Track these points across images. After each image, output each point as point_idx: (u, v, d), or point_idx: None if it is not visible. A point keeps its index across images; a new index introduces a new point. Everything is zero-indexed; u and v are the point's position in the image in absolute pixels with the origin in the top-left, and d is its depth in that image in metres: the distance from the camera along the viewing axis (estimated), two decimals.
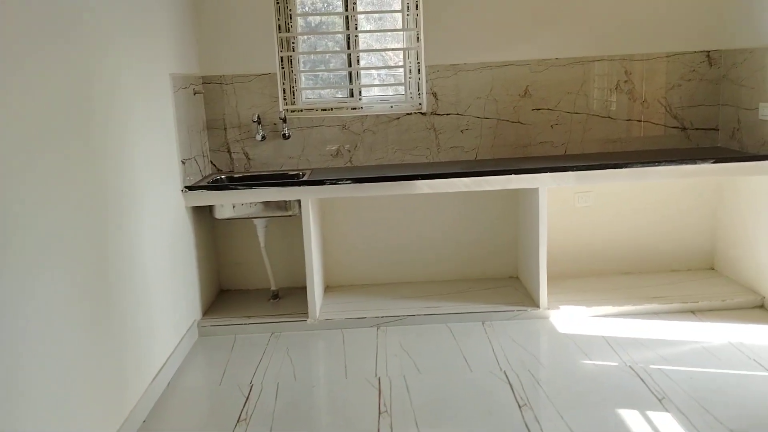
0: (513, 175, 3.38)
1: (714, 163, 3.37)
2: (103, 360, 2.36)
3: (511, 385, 2.78)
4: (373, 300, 3.75)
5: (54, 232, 2.05)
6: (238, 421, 2.61)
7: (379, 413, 2.62)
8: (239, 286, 4.05)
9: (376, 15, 4.00)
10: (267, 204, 3.53)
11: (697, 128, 3.88)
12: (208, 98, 3.80)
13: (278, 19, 3.81)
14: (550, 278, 3.69)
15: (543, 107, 3.84)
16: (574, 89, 3.82)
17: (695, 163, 3.37)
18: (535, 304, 3.54)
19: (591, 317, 3.47)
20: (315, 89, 4.03)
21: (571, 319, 3.46)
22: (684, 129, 3.88)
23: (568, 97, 3.83)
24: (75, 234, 2.18)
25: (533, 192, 3.47)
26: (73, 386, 2.13)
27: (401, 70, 3.97)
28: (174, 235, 3.22)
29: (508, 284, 3.91)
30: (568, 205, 3.93)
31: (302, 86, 3.96)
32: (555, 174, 3.37)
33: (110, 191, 2.49)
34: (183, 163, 3.37)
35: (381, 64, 4.05)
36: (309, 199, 3.42)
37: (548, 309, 3.49)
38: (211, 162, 3.87)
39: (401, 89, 3.99)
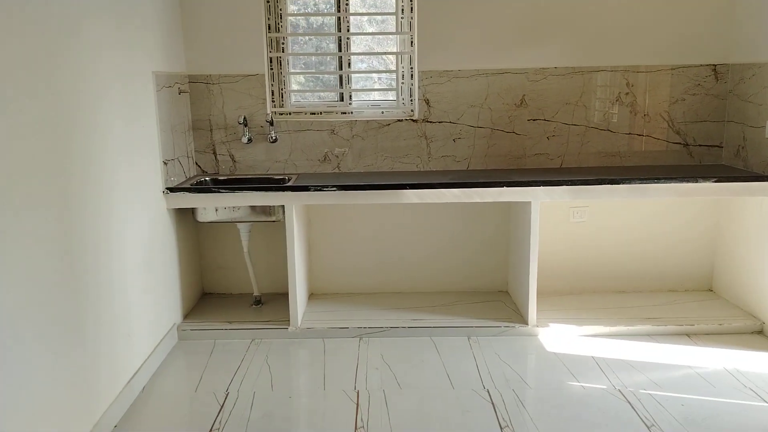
0: (505, 188, 3.26)
1: (716, 182, 3.26)
2: (72, 362, 2.25)
3: (493, 405, 2.66)
4: (357, 309, 3.63)
5: (22, 228, 1.94)
6: (210, 431, 2.51)
7: (356, 429, 2.50)
8: (222, 290, 3.94)
9: (370, 18, 3.90)
10: (251, 208, 3.42)
11: (701, 144, 3.77)
12: (194, 98, 3.70)
13: (268, 19, 3.71)
14: (541, 294, 3.58)
15: (539, 117, 3.73)
16: (573, 100, 3.71)
17: (696, 182, 3.26)
18: (524, 320, 3.43)
19: (581, 336, 3.34)
20: (304, 92, 3.93)
21: (560, 337, 3.34)
22: (686, 145, 3.77)
23: (567, 107, 3.72)
24: (44, 230, 2.07)
25: (526, 205, 3.36)
26: (39, 388, 2.02)
27: (393, 75, 3.87)
28: (154, 236, 3.12)
29: (497, 299, 3.79)
30: (563, 220, 3.81)
31: (291, 89, 3.86)
32: (549, 188, 3.26)
33: (85, 194, 2.38)
34: (165, 163, 3.26)
35: (373, 68, 3.95)
36: (293, 205, 3.31)
37: (537, 326, 3.37)
38: (197, 163, 3.77)
39: (393, 95, 3.89)
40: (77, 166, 2.37)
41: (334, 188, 3.26)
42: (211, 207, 3.41)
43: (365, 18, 3.88)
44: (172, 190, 3.29)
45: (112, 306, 2.61)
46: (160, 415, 2.67)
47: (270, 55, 3.74)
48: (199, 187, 3.39)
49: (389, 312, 3.58)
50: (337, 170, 3.79)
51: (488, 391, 2.78)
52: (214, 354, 3.22)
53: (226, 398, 2.77)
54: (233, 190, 3.28)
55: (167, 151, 3.30)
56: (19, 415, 1.94)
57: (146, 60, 3.08)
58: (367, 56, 3.93)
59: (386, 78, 3.96)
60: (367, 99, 3.93)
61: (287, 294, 3.58)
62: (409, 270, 3.90)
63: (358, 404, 2.70)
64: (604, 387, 2.80)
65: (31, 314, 2.03)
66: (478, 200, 3.29)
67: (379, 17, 3.90)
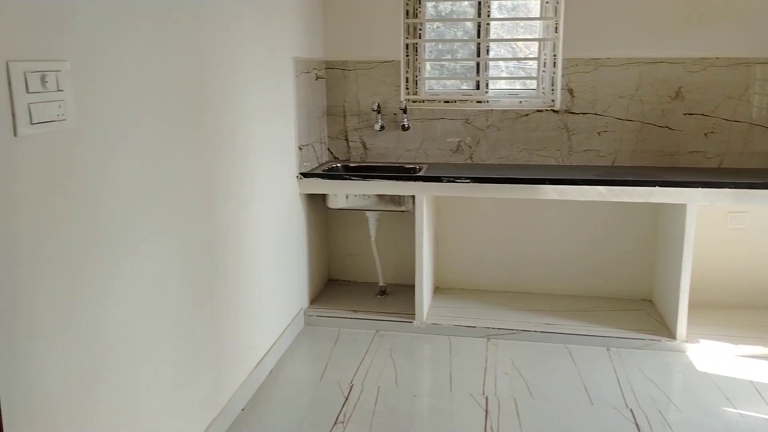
0: (657, 187, 2.98)
1: None
2: (206, 342, 2.29)
3: (638, 426, 2.44)
4: (486, 308, 3.48)
5: (162, 212, 1.97)
6: (335, 423, 2.49)
7: None
8: (347, 278, 3.93)
9: (510, 3, 3.70)
10: (381, 197, 3.36)
11: None
12: (330, 84, 3.68)
13: (406, 4, 3.62)
14: (691, 306, 3.25)
15: (697, 112, 3.39)
16: (736, 94, 3.34)
17: None
18: (671, 334, 3.13)
19: (737, 357, 3.01)
20: (439, 79, 3.80)
21: (712, 356, 3.03)
22: None
23: (728, 102, 3.35)
24: (184, 213, 2.11)
25: (679, 208, 3.06)
26: (173, 368, 2.06)
27: (534, 62, 3.66)
28: (287, 221, 3.14)
29: (640, 308, 3.49)
30: (718, 226, 3.45)
31: (426, 76, 3.75)
32: (708, 190, 2.94)
33: (223, 172, 2.40)
34: (300, 149, 3.27)
35: (511, 56, 3.76)
36: (424, 195, 3.21)
37: (686, 341, 3.07)
38: (328, 149, 3.76)
39: (532, 83, 3.68)
40: (223, 148, 2.39)
41: (468, 180, 3.12)
42: (341, 194, 3.38)
43: (495, 4, 3.69)
44: (305, 175, 3.29)
45: (245, 286, 2.64)
46: (285, 401, 2.67)
47: (407, 41, 3.64)
48: (331, 174, 3.38)
49: (520, 313, 3.41)
50: (469, 161, 3.64)
51: (632, 411, 2.56)
52: (339, 343, 3.20)
53: (350, 390, 2.73)
54: (364, 177, 3.23)
55: (302, 137, 3.30)
56: (151, 394, 1.98)
57: (287, 47, 3.07)
58: (497, 43, 3.73)
59: (513, 66, 3.75)
60: (505, 87, 3.75)
61: (412, 286, 3.50)
62: (543, 270, 3.70)
63: (487, 411, 2.57)
64: (765, 417, 2.50)
65: (173, 293, 2.07)
66: (627, 200, 3.03)
67: (511, 4, 3.69)
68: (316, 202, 3.59)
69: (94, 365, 1.68)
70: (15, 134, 1.40)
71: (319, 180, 3.30)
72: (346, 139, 3.75)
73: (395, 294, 3.68)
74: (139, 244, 1.86)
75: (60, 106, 1.52)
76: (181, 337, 2.12)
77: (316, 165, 3.54)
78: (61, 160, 1.54)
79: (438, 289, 3.78)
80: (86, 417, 1.66)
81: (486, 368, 2.92)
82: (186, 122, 2.11)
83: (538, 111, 3.54)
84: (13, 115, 1.39)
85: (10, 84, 1.38)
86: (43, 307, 1.50)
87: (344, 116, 3.72)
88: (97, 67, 1.66)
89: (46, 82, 1.48)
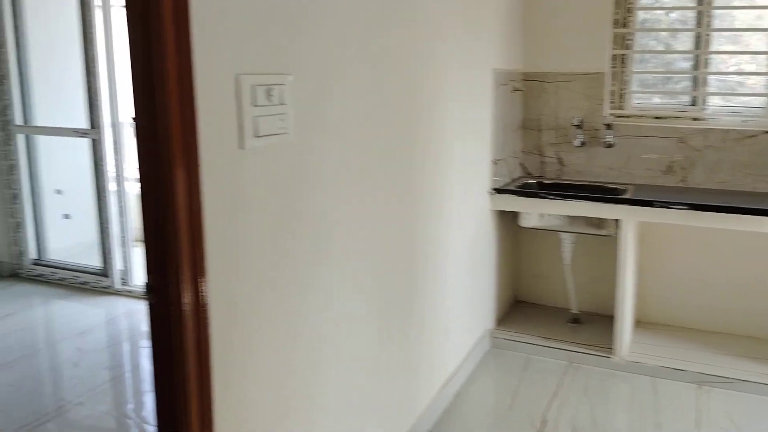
0: None
1: None
2: (396, 359, 2.25)
3: None
4: (696, 350, 3.10)
5: (363, 224, 1.96)
6: None
7: None
8: (535, 300, 3.73)
9: (734, 13, 3.28)
10: (578, 218, 3.14)
11: None
12: (527, 97, 3.53)
13: (615, 13, 3.35)
14: None
15: None
16: None
17: None
18: None
19: None
20: (647, 93, 3.48)
21: None
22: None
23: None
24: (384, 226, 2.09)
25: None
26: (365, 385, 2.04)
27: (758, 77, 3.21)
28: (476, 237, 3.04)
29: None
30: None
31: (633, 89, 3.45)
32: None
33: (424, 186, 2.36)
34: (494, 163, 3.15)
35: (740, 70, 3.33)
36: (631, 220, 2.94)
37: None
38: (521, 164, 3.60)
39: (758, 101, 3.22)
40: (425, 160, 2.35)
41: (685, 206, 2.80)
42: (535, 212, 3.20)
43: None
44: (498, 191, 3.17)
45: (436, 302, 2.57)
46: (472, 427, 2.56)
47: (614, 52, 3.38)
48: (525, 191, 3.22)
49: (737, 360, 2.98)
50: (681, 184, 3.28)
51: None
52: (528, 371, 3.03)
53: (544, 426, 2.54)
54: (562, 196, 3.03)
55: (497, 151, 3.19)
56: (350, 402, 1.97)
57: (487, 58, 2.98)
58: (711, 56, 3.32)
59: (736, 83, 3.30)
60: (722, 104, 3.33)
61: (609, 317, 3.22)
62: (765, 311, 3.22)
63: None
64: None
65: (370, 309, 2.05)
66: None
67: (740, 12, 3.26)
68: (506, 219, 3.45)
69: (304, 384, 1.70)
70: (242, 147, 1.43)
71: (513, 197, 3.15)
72: (541, 154, 3.56)
73: (589, 323, 3.41)
74: (349, 256, 1.86)
75: (282, 120, 1.55)
76: (375, 356, 2.10)
77: (508, 180, 3.40)
78: (279, 174, 1.56)
79: (639, 323, 3.43)
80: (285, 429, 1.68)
81: (697, 420, 2.58)
82: (392, 133, 2.10)
83: (766, 132, 3.09)
84: (241, 128, 1.43)
85: (239, 97, 1.42)
86: (263, 314, 1.53)
87: (539, 130, 3.54)
88: (315, 80, 1.67)
89: (272, 95, 1.51)
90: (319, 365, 1.78)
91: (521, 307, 3.68)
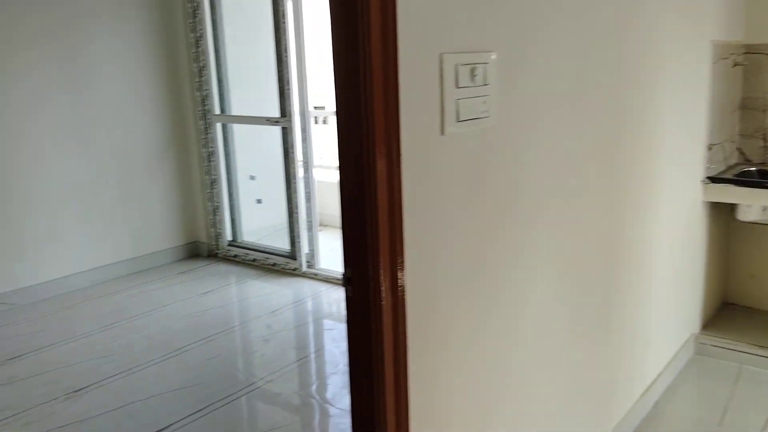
0: None
1: None
2: (597, 363, 2.06)
3: None
4: None
5: (565, 223, 1.78)
6: None
7: None
8: (748, 303, 3.27)
9: None
10: None
11: None
12: (749, 72, 3.06)
13: None
14: None
15: None
16: None
17: None
18: None
19: None
20: None
21: None
22: None
23: None
24: (585, 216, 1.89)
25: None
26: (557, 391, 1.87)
27: None
28: (684, 231, 2.70)
29: None
30: None
31: None
32: None
33: (631, 176, 2.12)
34: (709, 148, 2.78)
35: None
36: None
37: None
38: (738, 149, 3.15)
39: None
40: (635, 147, 2.11)
41: None
42: (757, 205, 2.78)
43: None
44: (713, 179, 2.79)
45: (639, 302, 2.31)
46: None
47: None
48: (745, 180, 2.81)
49: None
50: None
51: None
52: (740, 382, 2.66)
53: None
54: None
55: (713, 134, 2.80)
56: (547, 407, 1.81)
57: (703, 27, 2.61)
58: None
59: None
60: None
61: None
62: None
63: None
64: None
65: (566, 300, 1.87)
66: None
67: None
68: (719, 212, 3.04)
69: (494, 386, 1.58)
70: (442, 132, 1.33)
71: (731, 187, 2.76)
72: (765, 138, 3.09)
73: None
74: (547, 253, 1.70)
75: (484, 102, 1.42)
76: (571, 356, 1.92)
77: (724, 168, 2.99)
78: (479, 163, 1.43)
79: None
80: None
81: None
82: (598, 116, 1.88)
83: None
84: (443, 112, 1.32)
85: (441, 79, 1.31)
86: (458, 310, 1.43)
87: (764, 111, 3.06)
88: (517, 57, 1.52)
89: (475, 75, 1.38)
90: (510, 368, 1.65)
91: (731, 310, 3.25)
